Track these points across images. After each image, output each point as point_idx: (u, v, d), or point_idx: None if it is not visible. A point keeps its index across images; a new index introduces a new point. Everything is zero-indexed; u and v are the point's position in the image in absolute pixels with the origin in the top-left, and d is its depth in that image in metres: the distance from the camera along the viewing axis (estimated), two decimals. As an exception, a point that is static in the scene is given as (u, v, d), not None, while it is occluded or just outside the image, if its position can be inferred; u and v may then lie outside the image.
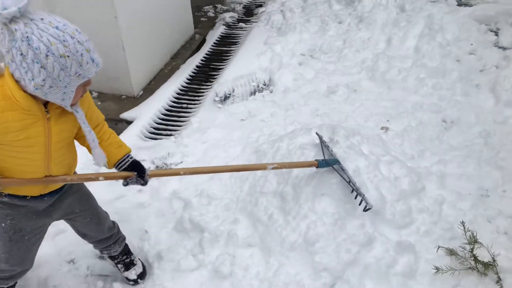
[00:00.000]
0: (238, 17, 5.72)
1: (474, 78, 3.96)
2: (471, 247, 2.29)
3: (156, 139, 3.55)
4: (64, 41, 1.38)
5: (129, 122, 3.78)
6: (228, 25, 5.48)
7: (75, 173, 1.96)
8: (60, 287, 2.37)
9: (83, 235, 2.23)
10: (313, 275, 2.27)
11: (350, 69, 4.35)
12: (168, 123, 3.81)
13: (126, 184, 1.90)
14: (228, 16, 5.68)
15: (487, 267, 2.25)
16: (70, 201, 1.99)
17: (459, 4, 5.11)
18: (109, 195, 2.89)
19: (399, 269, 2.31)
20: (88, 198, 2.12)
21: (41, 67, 1.39)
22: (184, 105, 4.02)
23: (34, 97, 1.51)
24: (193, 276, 2.37)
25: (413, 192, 2.67)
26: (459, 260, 2.31)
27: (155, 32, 4.31)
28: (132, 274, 2.36)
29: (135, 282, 2.37)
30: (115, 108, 3.96)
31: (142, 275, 2.39)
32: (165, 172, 2.24)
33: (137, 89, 4.13)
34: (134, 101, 4.06)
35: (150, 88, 4.22)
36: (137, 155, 3.25)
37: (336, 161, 2.51)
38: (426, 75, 4.04)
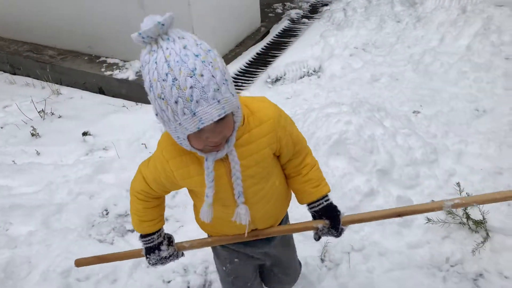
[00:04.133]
0: (303, 13, 6.18)
1: (520, 75, 4.06)
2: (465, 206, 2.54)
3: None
4: (164, 80, 1.07)
5: (192, 95, 4.42)
6: (292, 20, 5.96)
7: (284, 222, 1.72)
8: None
9: (268, 282, 2.00)
10: (319, 214, 2.67)
11: (397, 62, 4.62)
12: (224, 98, 4.38)
13: (317, 238, 1.58)
14: (294, 13, 6.16)
15: (478, 224, 2.49)
16: (281, 249, 1.79)
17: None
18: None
19: (396, 219, 2.62)
20: (294, 251, 1.94)
21: (151, 99, 1.15)
22: (239, 84, 4.57)
23: None
24: None
25: (424, 162, 2.95)
26: (452, 216, 2.57)
27: (223, 22, 4.92)
28: None
29: None
30: (182, 83, 4.62)
31: None
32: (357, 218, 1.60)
33: (203, 69, 4.75)
34: (199, 78, 4.68)
35: (214, 69, 4.83)
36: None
37: None
38: (469, 69, 4.20)
